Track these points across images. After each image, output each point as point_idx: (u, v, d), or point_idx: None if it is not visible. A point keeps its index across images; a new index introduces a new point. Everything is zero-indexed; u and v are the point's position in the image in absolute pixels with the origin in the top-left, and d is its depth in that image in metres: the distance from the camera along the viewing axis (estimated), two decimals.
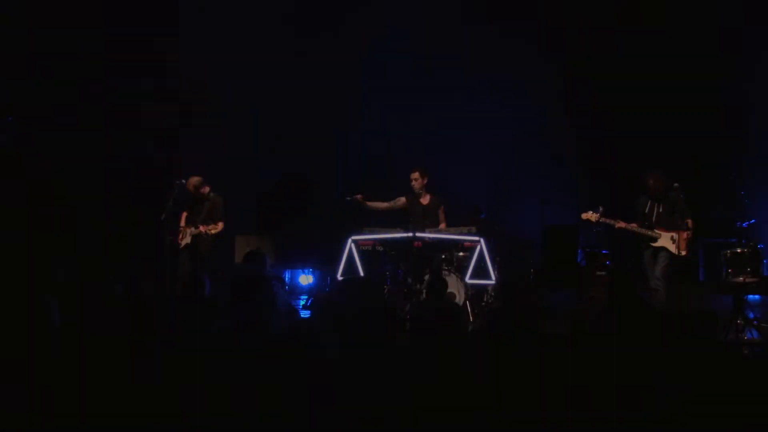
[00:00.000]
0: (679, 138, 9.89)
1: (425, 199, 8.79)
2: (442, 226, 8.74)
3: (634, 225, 7.87)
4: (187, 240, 8.70)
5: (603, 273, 8.44)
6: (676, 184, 7.75)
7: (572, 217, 9.55)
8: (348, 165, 10.74)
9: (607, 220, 7.88)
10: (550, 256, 8.57)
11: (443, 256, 8.45)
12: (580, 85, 10.32)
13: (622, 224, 7.88)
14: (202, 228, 8.53)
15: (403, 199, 8.79)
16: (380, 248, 8.53)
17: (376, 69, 10.65)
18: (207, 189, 8.84)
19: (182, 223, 8.89)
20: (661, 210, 7.86)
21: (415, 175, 8.73)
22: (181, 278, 8.53)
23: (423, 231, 8.28)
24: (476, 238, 8.37)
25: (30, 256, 8.35)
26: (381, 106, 10.95)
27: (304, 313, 8.52)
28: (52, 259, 8.60)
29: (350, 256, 8.55)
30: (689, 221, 7.79)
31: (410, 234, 8.21)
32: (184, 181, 8.72)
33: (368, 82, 10.70)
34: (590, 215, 7.93)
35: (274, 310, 4.01)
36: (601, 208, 7.89)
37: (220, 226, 8.66)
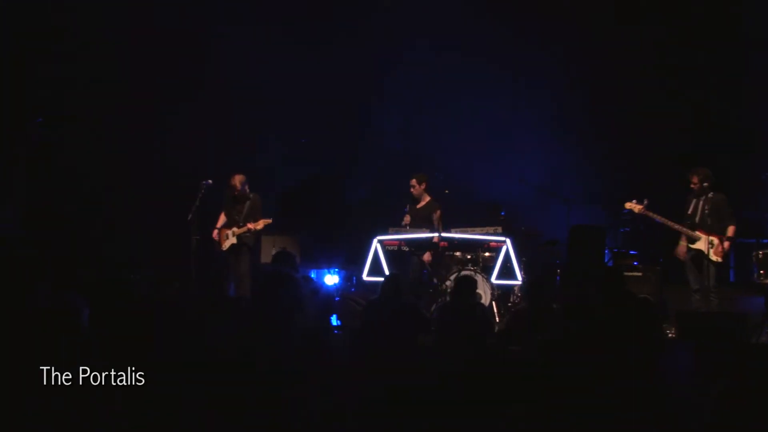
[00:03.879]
0: (710, 137, 9.79)
1: (422, 203, 9.01)
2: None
3: (674, 222, 7.84)
4: (233, 241, 8.82)
5: (634, 273, 8.40)
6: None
7: (599, 218, 9.55)
8: (372, 163, 10.76)
9: (650, 214, 7.87)
10: (576, 256, 8.52)
11: (469, 256, 8.47)
12: (608, 83, 10.22)
13: (663, 219, 7.85)
14: (250, 225, 8.69)
15: (408, 210, 9.01)
16: (406, 248, 8.61)
17: (398, 65, 10.69)
18: (247, 187, 9.00)
19: (219, 224, 9.02)
20: (706, 210, 7.82)
21: (412, 182, 9.01)
22: (234, 280, 8.70)
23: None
24: (502, 238, 8.39)
25: (58, 256, 8.49)
26: (404, 103, 10.98)
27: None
28: (82, 259, 8.72)
29: (376, 256, 8.64)
30: (731, 228, 7.77)
31: (436, 234, 8.25)
32: (210, 181, 8.82)
33: (390, 78, 10.72)
34: (634, 205, 7.91)
35: (300, 310, 4.04)
36: (645, 201, 7.88)
37: (262, 223, 8.80)
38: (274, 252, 9.25)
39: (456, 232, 8.53)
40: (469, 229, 8.63)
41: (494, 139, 10.43)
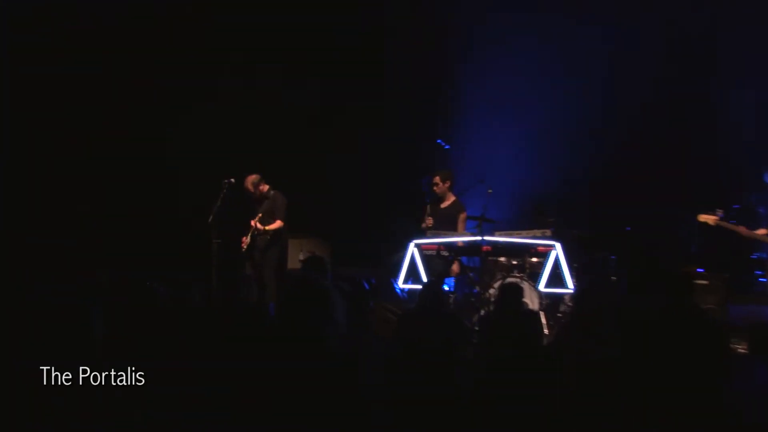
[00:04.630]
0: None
1: (446, 203, 9.01)
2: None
3: (758, 233, 7.69)
4: (248, 242, 8.94)
5: (698, 281, 8.25)
6: None
7: (656, 222, 9.40)
8: (406, 160, 10.73)
9: (727, 225, 7.71)
10: (637, 262, 8.43)
11: (515, 262, 8.42)
12: (673, 75, 10.05)
13: (743, 230, 7.69)
14: (252, 222, 8.76)
15: (427, 210, 8.98)
16: (445, 253, 8.56)
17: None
18: (266, 187, 9.07)
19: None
20: None
21: (436, 179, 9.01)
22: (258, 287, 8.79)
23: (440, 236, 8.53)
24: (552, 242, 8.30)
25: (74, 259, 8.68)
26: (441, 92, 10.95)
27: None
28: (96, 262, 8.86)
29: (412, 261, 8.61)
30: None
31: (479, 237, 8.21)
32: (233, 180, 8.88)
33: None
34: (708, 218, 7.78)
35: (332, 324, 4.02)
36: (720, 212, 7.73)
37: (278, 224, 8.86)
38: (301, 256, 9.32)
39: (500, 236, 8.45)
40: (514, 232, 8.58)
41: (544, 132, 10.32)
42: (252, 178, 9.05)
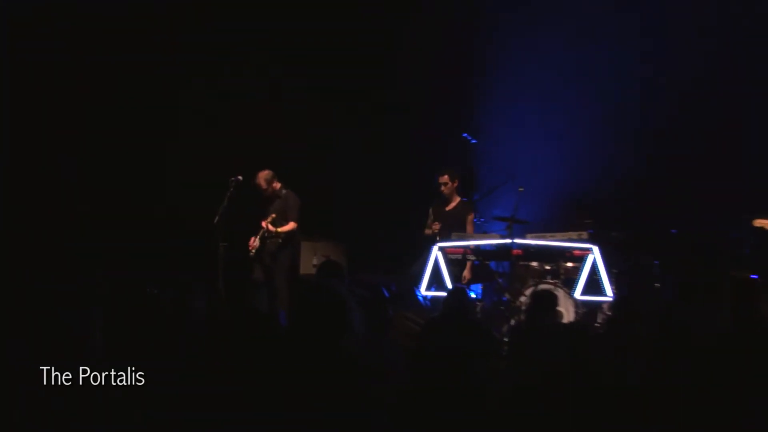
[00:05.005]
0: None
1: (451, 205, 9.06)
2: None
3: None
4: (257, 245, 8.94)
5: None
6: None
7: (705, 224, 9.32)
8: (430, 156, 10.72)
9: None
10: (683, 268, 8.37)
11: (548, 267, 8.38)
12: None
13: None
14: (263, 224, 8.78)
15: (431, 213, 9.06)
16: (472, 257, 8.56)
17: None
18: (278, 185, 9.09)
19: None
20: None
21: (444, 178, 9.03)
22: (268, 294, 8.81)
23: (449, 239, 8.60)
24: (588, 245, 8.27)
25: (75, 266, 8.80)
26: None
27: None
28: (96, 268, 8.94)
29: (436, 266, 8.60)
30: None
31: (509, 240, 8.19)
32: (240, 177, 8.90)
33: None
34: (766, 222, 7.74)
35: (349, 334, 4.01)
36: None
37: (291, 226, 8.88)
38: (315, 261, 9.33)
39: (532, 238, 8.46)
40: (548, 234, 8.58)
41: (582, 126, 10.26)
42: (264, 174, 9.06)
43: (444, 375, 5.25)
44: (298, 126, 10.64)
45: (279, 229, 8.88)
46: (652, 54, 10.04)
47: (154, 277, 8.78)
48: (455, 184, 9.08)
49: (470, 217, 8.99)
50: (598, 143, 10.05)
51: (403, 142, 10.64)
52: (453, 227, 8.84)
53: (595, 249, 8.25)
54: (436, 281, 8.60)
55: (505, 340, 7.28)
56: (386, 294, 8.11)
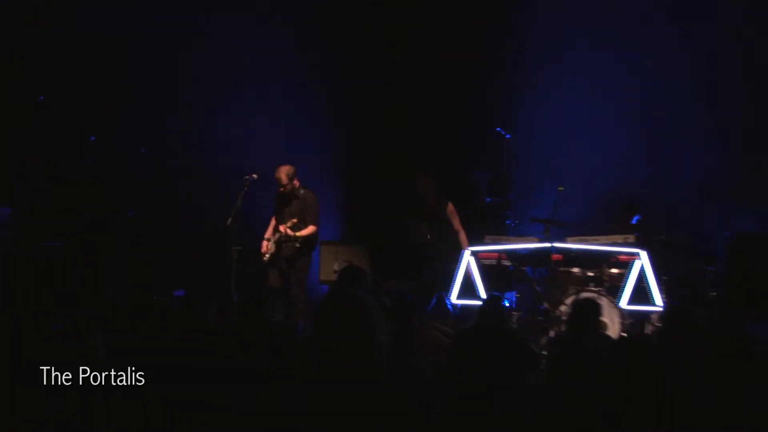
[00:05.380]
0: None
1: (432, 203, 9.37)
2: (460, 233, 9.25)
3: None
4: (272, 250, 8.88)
5: None
6: None
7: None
8: (461, 152, 10.71)
9: None
10: (741, 274, 8.29)
11: (591, 274, 8.35)
12: None
13: None
14: (282, 228, 8.72)
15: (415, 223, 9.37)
16: (507, 263, 8.56)
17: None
18: (297, 183, 9.03)
19: (268, 234, 9.09)
20: None
21: (426, 183, 9.39)
22: (284, 303, 8.84)
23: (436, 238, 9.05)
24: (636, 250, 8.22)
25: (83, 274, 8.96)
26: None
27: None
28: (102, 275, 9.05)
29: (468, 272, 8.58)
30: None
31: (547, 244, 8.15)
32: (255, 176, 8.89)
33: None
34: None
35: (374, 346, 3.99)
36: None
37: (310, 229, 8.84)
38: (336, 266, 9.33)
39: (573, 242, 8.42)
40: (590, 237, 8.51)
41: (627, 117, 10.18)
42: (286, 169, 8.93)
43: (478, 391, 5.24)
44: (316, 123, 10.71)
45: (298, 234, 8.82)
46: (701, 50, 9.96)
47: (161, 285, 8.89)
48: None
49: (450, 207, 9.32)
50: (647, 139, 9.99)
51: (433, 137, 10.62)
52: (444, 224, 9.25)
53: (643, 254, 8.20)
54: (468, 289, 8.59)
55: (544, 353, 7.27)
56: (413, 302, 8.13)
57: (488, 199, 9.44)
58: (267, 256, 8.97)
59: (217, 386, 4.35)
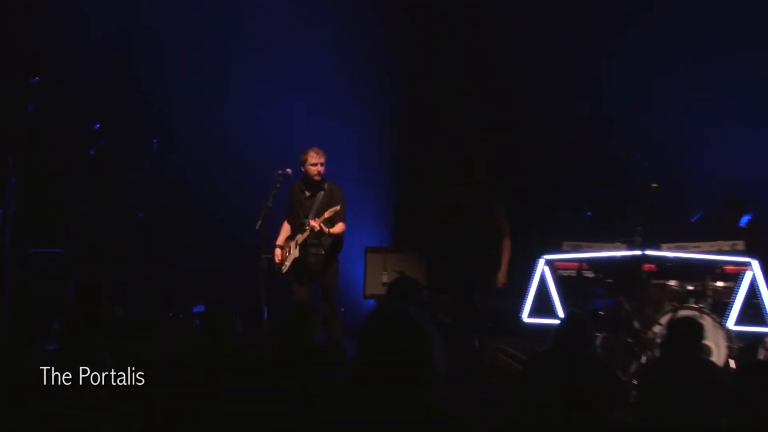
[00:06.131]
0: None
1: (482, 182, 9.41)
2: (505, 238, 9.22)
3: None
4: (294, 255, 8.68)
5: None
6: None
7: None
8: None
9: None
10: None
11: (691, 287, 8.30)
12: None
13: None
14: (314, 222, 8.49)
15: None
16: (589, 273, 8.61)
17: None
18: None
19: (280, 240, 8.93)
20: None
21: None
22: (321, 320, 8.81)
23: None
24: (745, 259, 8.17)
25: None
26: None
27: None
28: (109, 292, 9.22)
29: (542, 284, 8.64)
30: None
31: (638, 251, 8.11)
32: (289, 170, 8.84)
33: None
34: None
35: (429, 371, 3.98)
36: None
37: (341, 227, 8.68)
38: (385, 278, 9.33)
39: (669, 249, 8.40)
40: (691, 243, 8.48)
41: (738, 105, 10.11)
42: (316, 152, 8.74)
43: (554, 428, 5.21)
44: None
45: (332, 230, 8.65)
46: None
47: (180, 300, 9.00)
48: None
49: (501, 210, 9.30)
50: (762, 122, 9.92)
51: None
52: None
53: (755, 264, 8.14)
54: (543, 304, 8.66)
55: (634, 382, 7.27)
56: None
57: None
58: (287, 264, 8.76)
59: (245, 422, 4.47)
